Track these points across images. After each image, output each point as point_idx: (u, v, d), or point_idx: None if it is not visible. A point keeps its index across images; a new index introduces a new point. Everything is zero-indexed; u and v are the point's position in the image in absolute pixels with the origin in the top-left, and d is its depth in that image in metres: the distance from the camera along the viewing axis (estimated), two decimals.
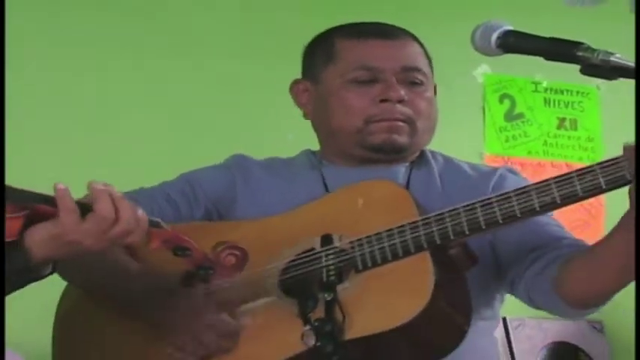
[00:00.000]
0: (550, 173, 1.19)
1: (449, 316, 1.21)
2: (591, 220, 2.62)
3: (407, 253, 1.21)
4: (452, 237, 1.20)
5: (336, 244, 1.26)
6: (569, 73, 1.18)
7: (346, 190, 1.33)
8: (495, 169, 1.43)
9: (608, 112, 2.73)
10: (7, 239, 1.09)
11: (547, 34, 1.16)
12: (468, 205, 1.20)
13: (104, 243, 1.12)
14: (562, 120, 2.74)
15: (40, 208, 1.10)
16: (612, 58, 1.09)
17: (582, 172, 1.15)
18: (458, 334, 1.22)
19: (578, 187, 1.15)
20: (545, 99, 2.74)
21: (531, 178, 1.28)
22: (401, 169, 1.42)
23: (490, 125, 2.68)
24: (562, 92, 2.75)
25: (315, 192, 1.37)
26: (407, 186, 1.38)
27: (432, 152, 1.47)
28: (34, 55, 2.29)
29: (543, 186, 1.17)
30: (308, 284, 1.25)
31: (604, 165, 1.14)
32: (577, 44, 1.12)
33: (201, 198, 1.42)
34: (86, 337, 1.37)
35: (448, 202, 1.24)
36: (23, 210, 1.09)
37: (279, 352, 1.21)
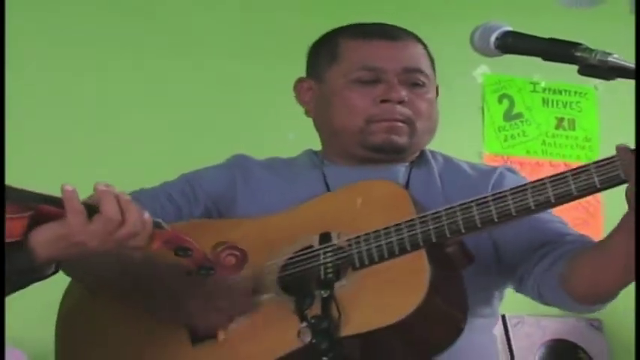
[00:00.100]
0: (548, 172, 1.20)
1: (445, 313, 1.22)
2: (590, 219, 2.63)
3: (403, 251, 1.22)
4: (448, 235, 1.21)
5: (335, 241, 1.27)
6: (567, 73, 1.19)
7: (346, 189, 1.35)
8: (495, 169, 1.44)
9: (605, 112, 2.74)
10: (12, 239, 1.09)
11: (545, 34, 1.16)
12: (464, 204, 1.21)
13: (110, 244, 1.12)
14: (560, 120, 2.75)
15: (45, 208, 1.10)
16: (610, 59, 1.10)
17: (577, 172, 1.16)
18: (454, 332, 1.23)
19: (573, 187, 1.16)
20: (543, 99, 2.75)
21: (530, 177, 1.29)
22: (401, 169, 1.43)
23: (489, 125, 2.69)
24: (560, 92, 2.76)
25: (317, 191, 1.38)
26: (407, 185, 1.39)
27: (432, 152, 1.48)
28: (34, 55, 2.29)
29: (538, 185, 1.18)
30: (306, 281, 1.25)
31: (599, 164, 1.15)
32: (575, 45, 1.12)
33: (200, 197, 1.43)
34: (89, 336, 1.37)
35: (448, 201, 1.25)
36: (28, 210, 1.10)
37: (275, 349, 1.22)
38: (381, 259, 1.24)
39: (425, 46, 1.46)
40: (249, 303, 1.27)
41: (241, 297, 1.27)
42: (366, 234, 1.25)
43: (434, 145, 1.49)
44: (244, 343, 1.26)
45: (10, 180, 1.11)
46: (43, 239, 1.11)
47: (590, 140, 2.75)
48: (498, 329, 2.20)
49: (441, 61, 1.49)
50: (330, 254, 1.26)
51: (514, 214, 1.19)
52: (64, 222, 1.10)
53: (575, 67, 1.13)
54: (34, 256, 1.11)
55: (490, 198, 1.20)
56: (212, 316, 1.27)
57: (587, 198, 1.21)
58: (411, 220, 1.23)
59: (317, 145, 1.51)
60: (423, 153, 1.46)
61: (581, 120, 2.76)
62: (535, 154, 2.71)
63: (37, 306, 1.59)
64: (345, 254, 1.26)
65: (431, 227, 1.21)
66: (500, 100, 2.71)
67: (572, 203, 1.20)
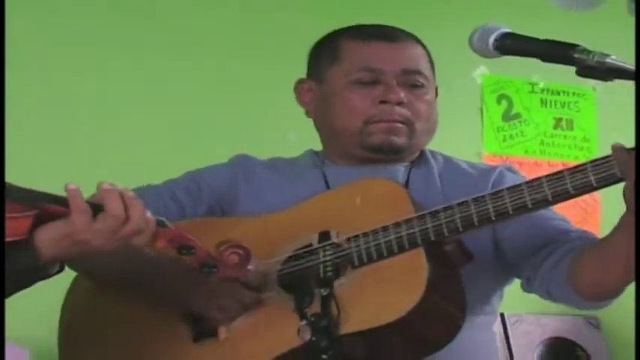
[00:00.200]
0: (547, 172, 1.21)
1: (443, 310, 1.23)
2: (588, 218, 2.64)
3: (402, 249, 1.23)
4: (446, 234, 1.22)
5: (334, 240, 1.28)
6: (565, 74, 1.20)
7: (345, 188, 1.36)
8: (494, 168, 1.45)
9: (603, 113, 2.75)
10: (17, 238, 1.09)
11: (544, 36, 1.17)
12: (461, 203, 1.22)
13: (114, 243, 1.12)
14: (558, 120, 2.76)
15: (50, 207, 1.11)
16: (608, 60, 1.10)
17: (574, 170, 1.17)
18: (452, 329, 1.24)
19: (569, 185, 1.17)
20: (541, 99, 2.76)
21: (528, 176, 1.29)
22: (400, 169, 1.44)
23: (488, 125, 2.70)
24: (558, 93, 2.77)
25: (317, 191, 1.39)
26: (406, 185, 1.40)
27: (432, 152, 1.49)
28: (34, 55, 2.28)
29: (535, 184, 1.19)
30: (305, 279, 1.26)
31: (595, 163, 1.16)
32: (573, 46, 1.13)
33: (204, 194, 1.44)
34: (92, 334, 1.38)
35: (447, 200, 1.26)
36: (33, 209, 1.10)
37: (275, 347, 1.23)
38: (380, 257, 1.25)
39: (424, 48, 1.47)
40: (252, 301, 1.28)
41: (244, 295, 1.27)
42: (365, 232, 1.26)
43: (433, 146, 1.50)
44: (245, 341, 1.27)
45: (10, 180, 1.11)
46: (48, 238, 1.11)
47: (588, 140, 2.76)
48: (497, 327, 2.21)
49: (440, 62, 1.50)
50: (329, 252, 1.27)
51: (511, 212, 1.20)
52: (68, 221, 1.11)
53: (574, 68, 1.13)
54: (39, 254, 1.11)
55: (488, 197, 1.21)
56: (215, 315, 1.28)
57: (584, 197, 1.22)
58: (409, 218, 1.24)
59: (318, 145, 1.52)
60: (422, 153, 1.47)
61: (579, 120, 2.77)
62: (533, 154, 2.72)
63: (41, 305, 1.59)
64: (344, 252, 1.27)
65: (429, 226, 1.23)
66: (498, 101, 2.72)
67: (569, 203, 1.21)
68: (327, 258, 1.26)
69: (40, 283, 1.17)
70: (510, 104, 2.73)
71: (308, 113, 1.49)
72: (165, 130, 2.36)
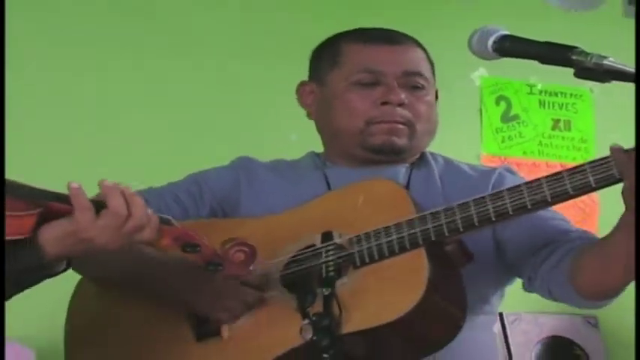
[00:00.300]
0: (545, 173, 1.22)
1: (443, 310, 1.24)
2: (586, 219, 2.65)
3: (403, 249, 1.24)
4: (446, 234, 1.23)
5: (336, 240, 1.29)
6: (563, 75, 1.20)
7: (347, 189, 1.37)
8: (494, 169, 1.46)
9: (601, 114, 2.76)
10: (21, 236, 1.10)
11: (542, 38, 1.18)
12: (462, 204, 1.23)
13: (118, 240, 1.13)
14: (556, 121, 2.77)
15: (54, 206, 1.11)
16: (605, 62, 1.11)
17: (573, 171, 1.18)
18: (453, 329, 1.25)
19: (569, 186, 1.17)
20: (540, 101, 2.77)
21: (527, 177, 1.30)
22: (401, 170, 1.45)
23: (487, 126, 2.71)
24: (556, 94, 2.78)
25: (319, 192, 1.40)
26: (407, 186, 1.41)
27: (433, 154, 1.50)
28: (34, 55, 2.28)
29: (535, 184, 1.20)
30: (308, 279, 1.27)
31: (594, 164, 1.17)
32: (571, 48, 1.13)
33: (207, 197, 1.44)
34: (97, 334, 1.39)
35: (448, 202, 1.27)
36: (37, 207, 1.10)
37: (277, 346, 1.24)
38: (382, 257, 1.26)
39: (425, 51, 1.48)
40: (254, 300, 1.29)
41: (248, 295, 1.28)
42: (367, 233, 1.27)
43: (433, 146, 1.51)
44: (248, 340, 1.28)
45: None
46: (52, 236, 1.12)
47: (586, 141, 2.77)
48: (496, 326, 2.22)
49: (440, 64, 1.51)
50: (331, 253, 1.28)
51: (511, 212, 1.21)
52: (72, 218, 1.11)
53: (571, 70, 1.14)
54: (43, 253, 1.12)
55: (488, 197, 1.22)
56: (220, 316, 1.29)
57: (583, 198, 1.23)
58: (410, 219, 1.25)
59: (319, 146, 1.52)
60: (423, 154, 1.48)
61: (576, 121, 2.78)
62: (532, 155, 2.73)
63: (47, 305, 1.60)
64: (346, 253, 1.28)
65: (430, 226, 1.23)
66: (497, 102, 2.73)
67: (568, 203, 1.22)
68: (330, 258, 1.28)
69: (45, 284, 1.18)
70: (509, 105, 2.74)
71: (309, 115, 1.51)
72: (165, 130, 2.36)
